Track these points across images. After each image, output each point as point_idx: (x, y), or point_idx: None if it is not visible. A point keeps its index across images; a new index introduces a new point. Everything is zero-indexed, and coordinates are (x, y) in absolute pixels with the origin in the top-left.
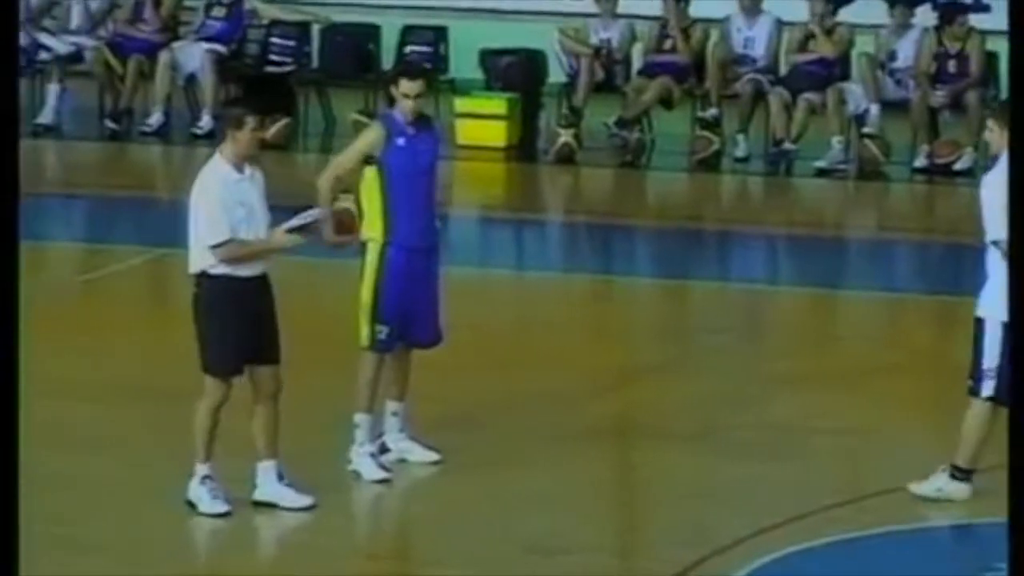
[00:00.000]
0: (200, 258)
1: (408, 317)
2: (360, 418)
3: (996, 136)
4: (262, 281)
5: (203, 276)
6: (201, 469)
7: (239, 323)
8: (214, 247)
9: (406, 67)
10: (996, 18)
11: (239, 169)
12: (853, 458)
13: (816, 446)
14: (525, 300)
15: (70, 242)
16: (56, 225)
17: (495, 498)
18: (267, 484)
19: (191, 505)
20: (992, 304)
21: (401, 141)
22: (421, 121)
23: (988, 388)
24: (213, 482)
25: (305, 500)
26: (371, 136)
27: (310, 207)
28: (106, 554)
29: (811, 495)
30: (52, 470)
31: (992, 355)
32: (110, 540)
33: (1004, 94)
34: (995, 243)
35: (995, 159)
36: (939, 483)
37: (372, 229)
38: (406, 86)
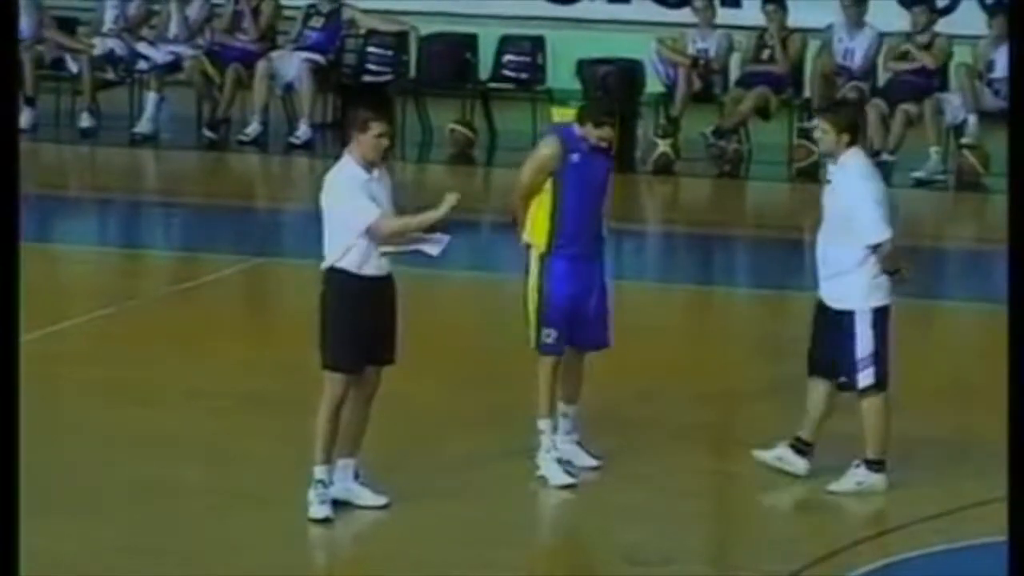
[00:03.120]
0: (331, 254)
1: (575, 322)
2: (543, 424)
3: (830, 138)
4: (388, 282)
5: (331, 271)
6: (319, 471)
7: (363, 320)
8: (368, 227)
9: (602, 112)
10: None
11: (367, 169)
12: (953, 469)
13: (915, 457)
14: (622, 310)
15: (167, 251)
16: (153, 234)
17: (594, 508)
18: (341, 481)
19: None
20: (858, 296)
21: (576, 157)
22: None
23: (866, 377)
24: (324, 488)
25: (380, 500)
26: (547, 152)
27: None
28: (197, 561)
29: (910, 506)
30: (144, 477)
31: (866, 344)
32: (203, 548)
33: None
34: (876, 247)
35: (830, 159)
36: (859, 478)
37: (536, 236)
38: (608, 132)
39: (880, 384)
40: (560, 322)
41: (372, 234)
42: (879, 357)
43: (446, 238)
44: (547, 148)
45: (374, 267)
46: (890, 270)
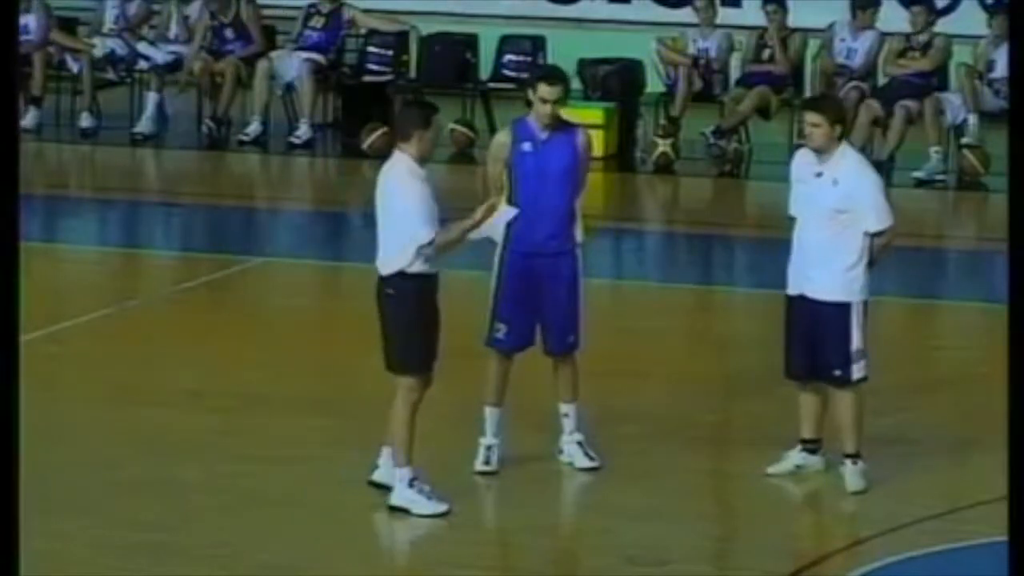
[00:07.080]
0: (398, 257)
1: (533, 322)
2: (486, 411)
3: (824, 130)
4: (438, 280)
5: (399, 276)
6: (405, 473)
7: (432, 320)
8: (427, 243)
9: (546, 71)
10: None
11: (422, 166)
12: (953, 469)
13: (915, 457)
14: (623, 310)
15: (167, 251)
16: (153, 234)
17: (595, 507)
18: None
19: (403, 511)
20: (856, 289)
21: (527, 146)
22: (558, 127)
23: (859, 369)
24: (422, 483)
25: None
26: (499, 139)
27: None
28: (197, 560)
29: (910, 506)
30: (143, 476)
31: (859, 336)
32: (201, 545)
33: None
34: (879, 233)
35: (823, 154)
36: (865, 474)
37: (499, 231)
38: (544, 90)
39: (866, 377)
40: (513, 319)
41: (431, 248)
42: (867, 350)
43: (513, 210)
44: (499, 136)
45: (432, 266)
46: (875, 259)
